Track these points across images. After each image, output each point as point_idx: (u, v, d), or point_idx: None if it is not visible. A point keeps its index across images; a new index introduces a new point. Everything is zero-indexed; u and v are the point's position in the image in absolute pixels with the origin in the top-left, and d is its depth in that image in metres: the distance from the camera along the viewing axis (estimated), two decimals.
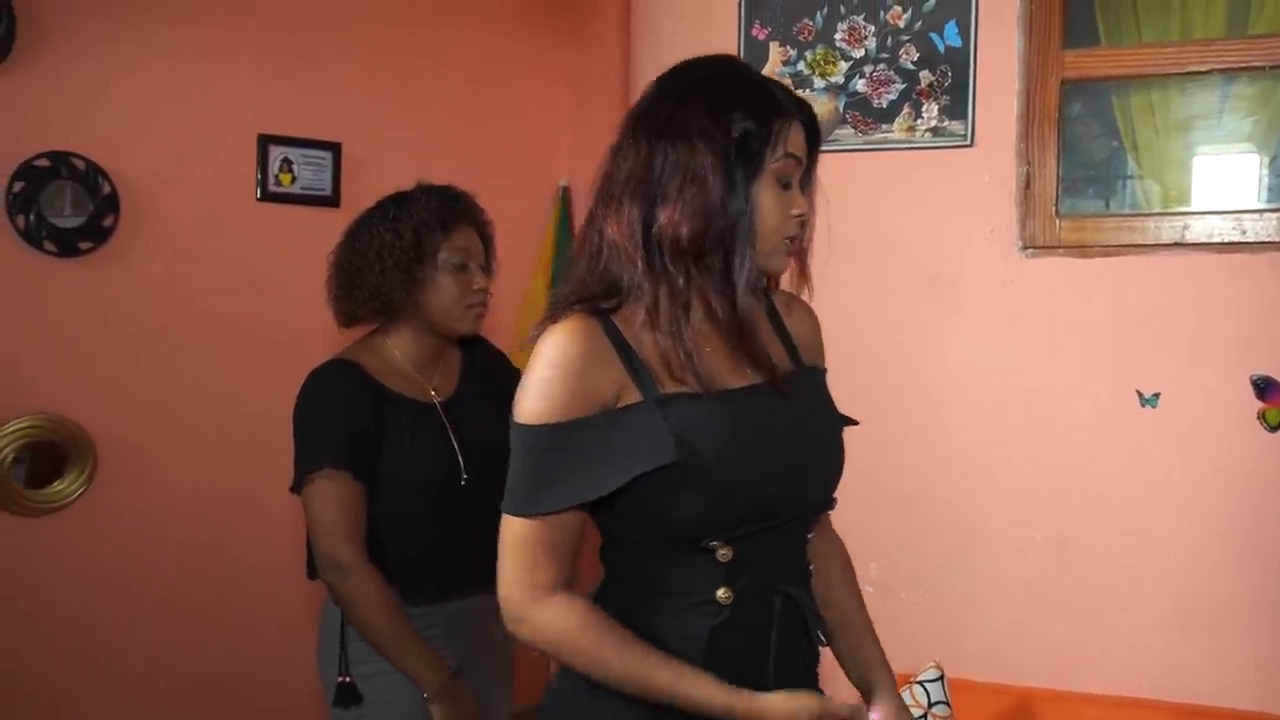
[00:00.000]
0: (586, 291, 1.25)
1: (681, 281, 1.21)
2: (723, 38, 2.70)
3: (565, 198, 3.44)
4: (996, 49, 2.44)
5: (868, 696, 1.43)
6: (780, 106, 1.23)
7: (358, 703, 1.81)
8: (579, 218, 3.45)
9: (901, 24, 2.50)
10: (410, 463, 1.83)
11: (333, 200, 2.82)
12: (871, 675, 1.44)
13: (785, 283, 1.41)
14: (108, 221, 2.45)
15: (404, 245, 1.84)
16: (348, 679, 1.80)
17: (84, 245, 2.43)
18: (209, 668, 2.63)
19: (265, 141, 2.71)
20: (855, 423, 1.43)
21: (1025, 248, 2.45)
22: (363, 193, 1.98)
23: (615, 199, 1.22)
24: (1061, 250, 2.42)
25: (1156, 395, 2.34)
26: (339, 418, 1.78)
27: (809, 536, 1.38)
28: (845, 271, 2.64)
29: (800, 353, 1.40)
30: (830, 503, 1.37)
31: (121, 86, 2.48)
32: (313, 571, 1.83)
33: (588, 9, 3.43)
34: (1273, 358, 2.24)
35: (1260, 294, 2.25)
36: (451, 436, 1.89)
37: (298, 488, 1.78)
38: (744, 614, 1.24)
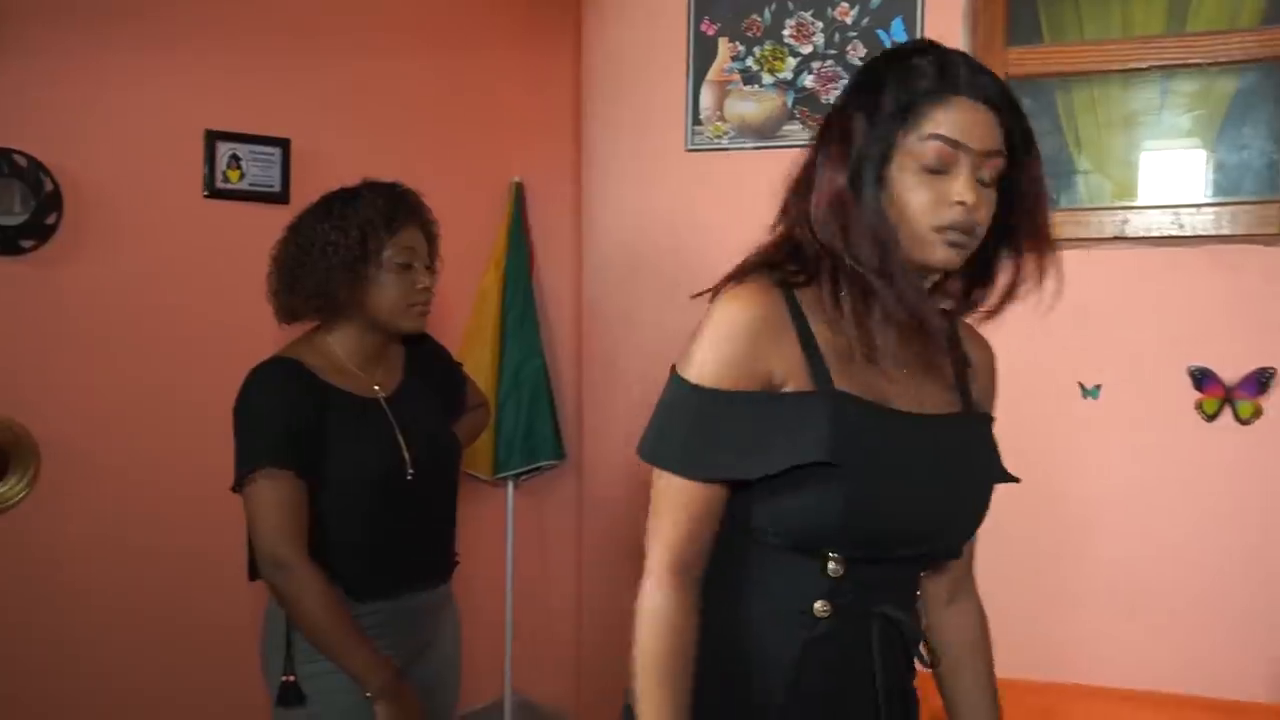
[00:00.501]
0: (774, 258, 1.23)
1: (847, 266, 1.15)
2: (672, 34, 2.69)
3: (518, 194, 3.42)
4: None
5: None
6: (928, 85, 1.14)
7: (301, 702, 1.78)
8: (533, 214, 3.43)
9: (849, 20, 2.51)
10: (355, 459, 1.81)
11: (282, 197, 2.78)
12: None
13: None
14: (51, 219, 2.40)
15: (349, 244, 1.81)
16: (291, 678, 1.78)
17: (26, 243, 2.38)
18: (153, 669, 2.59)
19: (213, 137, 2.67)
20: (1016, 480, 1.38)
21: None
22: (313, 189, 1.95)
23: (799, 180, 1.23)
24: None
25: (1098, 387, 2.37)
26: (280, 415, 1.75)
27: (926, 578, 1.38)
28: None
29: (971, 389, 1.35)
30: (957, 553, 1.34)
31: (65, 82, 2.42)
32: (254, 573, 1.80)
33: (541, 7, 3.41)
34: (1209, 349, 2.28)
35: (1197, 287, 2.29)
36: (396, 432, 1.87)
37: (238, 487, 1.75)
38: (839, 631, 1.20)
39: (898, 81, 1.16)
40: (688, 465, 1.16)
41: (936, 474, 1.22)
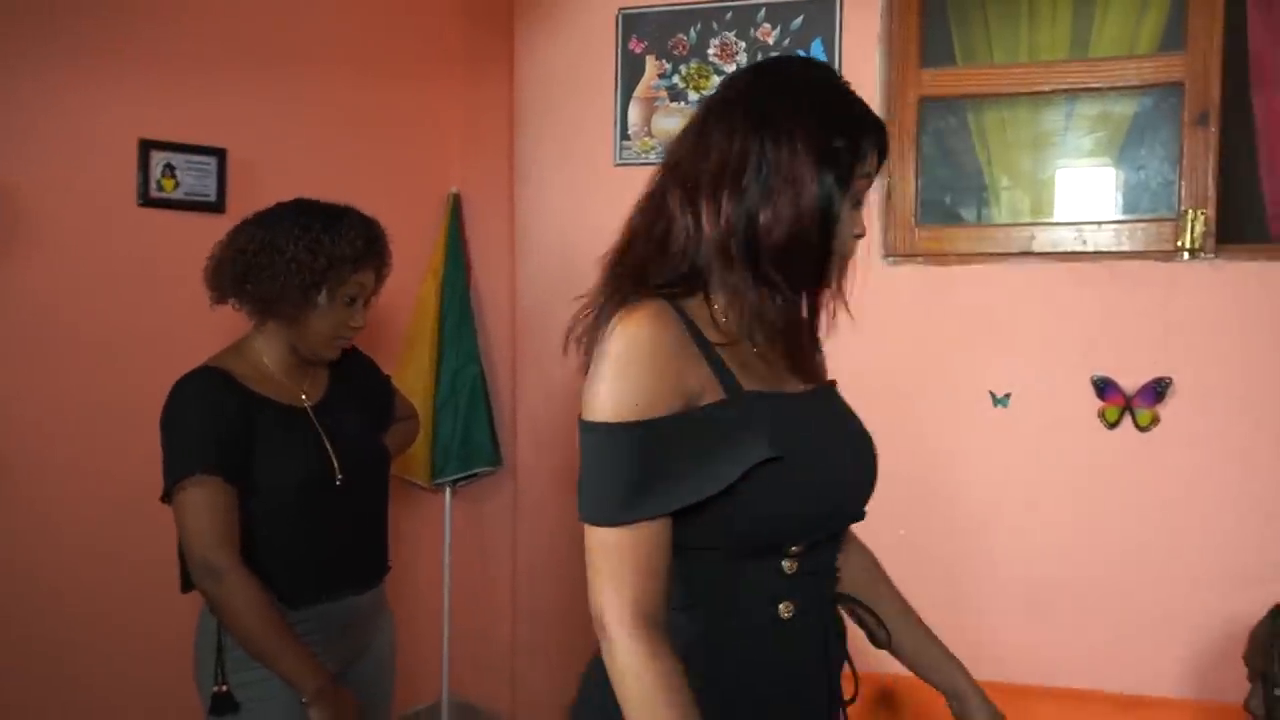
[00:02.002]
0: (653, 274, 1.18)
1: (772, 280, 1.15)
2: (601, 52, 2.72)
3: (455, 205, 3.42)
4: (859, 66, 2.51)
5: (956, 701, 1.44)
6: (870, 125, 1.19)
7: (234, 711, 1.77)
8: (470, 225, 3.44)
9: (771, 40, 2.56)
10: (283, 465, 1.81)
11: (218, 206, 2.75)
12: (955, 680, 1.44)
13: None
14: None
15: (314, 269, 1.81)
16: (224, 688, 1.76)
17: None
18: (89, 678, 2.54)
19: (147, 146, 2.63)
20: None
21: (887, 256, 2.52)
22: (250, 199, 1.93)
23: (703, 188, 1.16)
24: (919, 258, 2.50)
25: (1008, 395, 2.43)
26: (207, 423, 1.74)
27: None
28: None
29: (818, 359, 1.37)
30: (863, 515, 1.31)
31: None
32: (186, 584, 1.79)
33: (476, 24, 3.42)
34: (1111, 360, 2.35)
35: (1100, 300, 2.36)
36: (324, 439, 1.87)
37: (167, 497, 1.75)
38: (801, 627, 1.20)
39: (856, 116, 1.18)
40: (636, 508, 1.09)
41: (844, 444, 1.27)
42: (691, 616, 1.17)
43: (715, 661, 1.17)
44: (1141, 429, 2.33)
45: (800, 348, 1.26)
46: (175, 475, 1.73)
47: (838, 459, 1.23)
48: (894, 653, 1.45)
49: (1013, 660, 2.39)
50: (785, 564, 1.17)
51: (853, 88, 1.22)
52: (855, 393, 2.51)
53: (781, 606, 1.18)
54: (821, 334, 1.31)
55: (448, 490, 3.42)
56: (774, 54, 2.56)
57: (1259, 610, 2.24)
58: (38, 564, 2.46)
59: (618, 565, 1.10)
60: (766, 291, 1.17)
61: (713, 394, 1.13)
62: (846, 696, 1.31)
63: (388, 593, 2.08)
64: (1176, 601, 2.32)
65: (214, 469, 1.72)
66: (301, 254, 1.80)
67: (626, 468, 1.09)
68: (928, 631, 1.46)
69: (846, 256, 1.22)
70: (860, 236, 1.22)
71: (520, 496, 3.10)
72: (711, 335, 1.17)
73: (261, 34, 2.88)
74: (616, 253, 1.23)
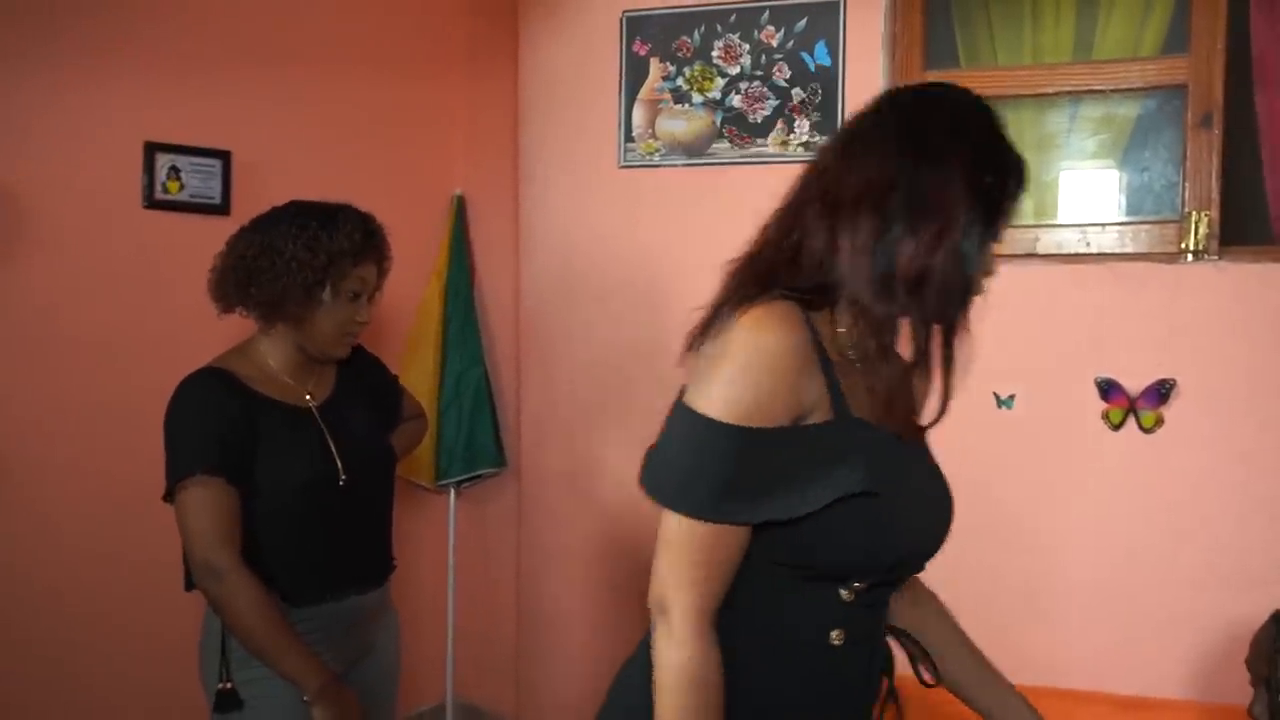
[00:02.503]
0: (779, 281, 1.15)
1: (905, 312, 1.12)
2: (605, 54, 2.72)
3: (460, 207, 3.42)
4: (863, 68, 2.51)
5: None
6: (1018, 165, 1.16)
7: (239, 708, 1.77)
8: (474, 227, 3.44)
9: (774, 43, 2.55)
10: (287, 466, 1.80)
11: (222, 208, 2.75)
12: (1014, 708, 1.42)
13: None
14: None
15: (315, 265, 1.81)
16: (229, 685, 1.76)
17: None
18: (94, 677, 2.55)
19: (152, 149, 2.64)
20: None
21: None
22: (254, 201, 1.94)
23: (847, 204, 1.12)
24: None
25: (1012, 397, 2.43)
26: (211, 424, 1.74)
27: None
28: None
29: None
30: (924, 565, 1.30)
31: (2, 91, 2.39)
32: (189, 583, 1.79)
33: (481, 26, 3.42)
34: (1115, 361, 2.35)
35: (1103, 301, 2.35)
36: (328, 439, 1.87)
37: (169, 497, 1.74)
38: (850, 656, 1.19)
39: (1011, 159, 1.16)
40: (726, 511, 1.08)
41: (929, 494, 1.25)
42: (741, 623, 1.15)
43: (762, 675, 1.16)
44: (1146, 430, 2.32)
45: (905, 387, 1.22)
46: (177, 475, 1.72)
47: (922, 507, 1.22)
48: (955, 691, 1.44)
49: (1015, 661, 2.37)
50: (843, 592, 1.16)
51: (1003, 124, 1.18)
52: None
53: (834, 634, 1.17)
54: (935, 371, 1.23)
55: (452, 492, 3.42)
56: (777, 56, 2.55)
57: (1262, 612, 2.23)
58: (39, 564, 2.46)
59: (696, 559, 1.09)
60: (894, 319, 1.15)
61: (822, 413, 1.12)
62: None
63: (395, 596, 2.08)
64: (1180, 603, 2.31)
65: (216, 469, 1.72)
66: (301, 253, 1.80)
67: (725, 468, 1.08)
68: (996, 674, 1.46)
69: (977, 294, 1.18)
70: (990, 275, 1.18)
71: (524, 498, 3.09)
72: (831, 350, 1.15)
73: (266, 36, 2.88)
74: (746, 257, 1.20)
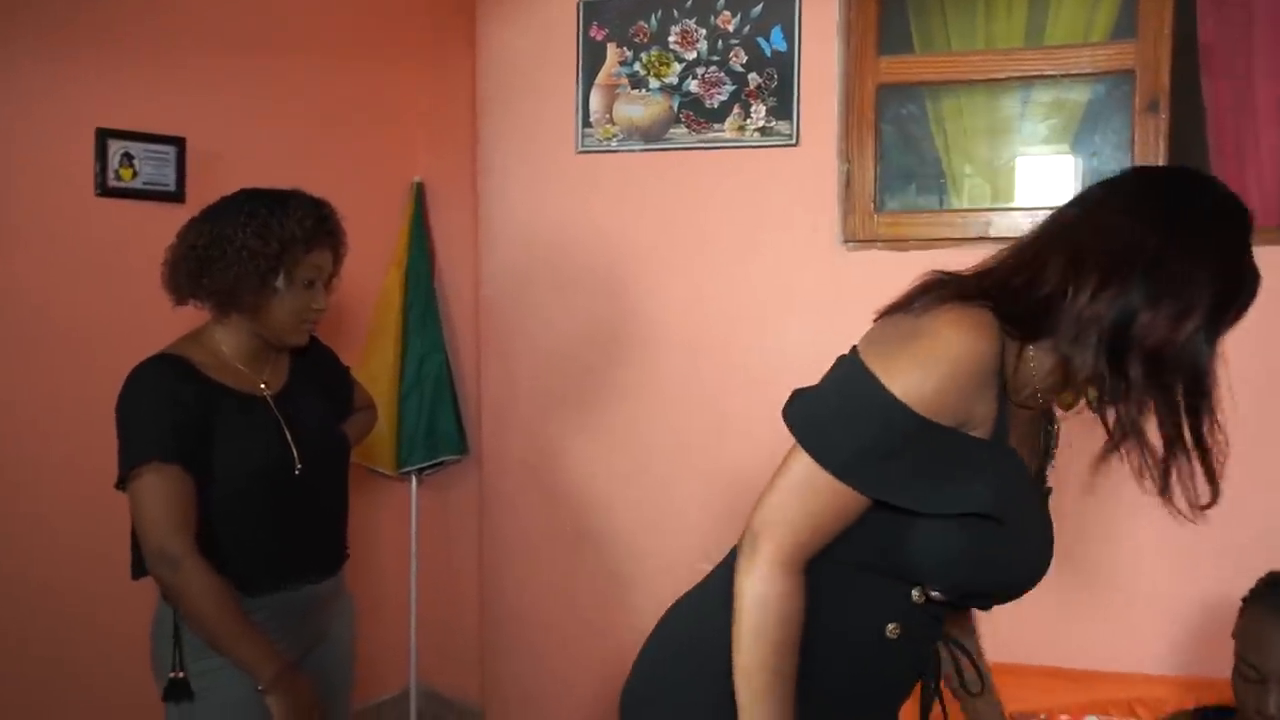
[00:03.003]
0: (999, 299, 1.15)
1: (1136, 384, 1.11)
2: (563, 39, 2.71)
3: (419, 194, 3.40)
4: (818, 54, 2.52)
5: None
6: (1258, 282, 1.17)
7: (189, 698, 1.76)
8: (434, 214, 3.41)
9: (731, 28, 2.55)
10: (243, 453, 1.79)
11: (177, 195, 2.72)
12: None
13: None
14: None
15: (267, 254, 1.79)
16: (180, 674, 1.75)
17: None
18: (47, 682, 2.51)
19: (104, 135, 2.60)
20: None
21: (846, 241, 2.53)
22: (210, 188, 1.92)
23: (1092, 262, 1.11)
24: (879, 244, 2.51)
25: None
26: (165, 411, 1.72)
27: None
28: (680, 263, 2.70)
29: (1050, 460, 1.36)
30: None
31: None
32: (137, 570, 1.77)
33: (439, 13, 3.39)
34: None
35: None
36: (283, 428, 1.86)
37: (122, 484, 1.72)
38: (901, 653, 1.22)
39: (1251, 276, 1.16)
40: (858, 476, 1.11)
41: (1041, 545, 1.27)
42: (813, 603, 1.17)
43: (808, 652, 1.17)
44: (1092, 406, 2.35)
45: (1035, 440, 1.26)
46: (131, 462, 1.71)
47: (1030, 555, 1.24)
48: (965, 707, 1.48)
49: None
50: (915, 594, 1.19)
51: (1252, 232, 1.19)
52: (813, 375, 2.52)
53: (890, 627, 1.20)
54: (1215, 455, 1.20)
55: (413, 479, 3.41)
56: (734, 42, 2.56)
57: (1201, 583, 2.28)
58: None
59: (811, 507, 1.12)
60: (1102, 383, 1.14)
61: (983, 430, 1.14)
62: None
63: (354, 582, 2.07)
64: (1126, 578, 2.35)
65: (171, 456, 1.70)
66: (251, 240, 1.78)
67: (881, 441, 1.10)
68: (995, 692, 1.51)
69: (1210, 381, 1.16)
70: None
71: (486, 484, 3.09)
72: (1009, 377, 1.16)
73: (222, 21, 2.84)
74: (968, 274, 1.21)
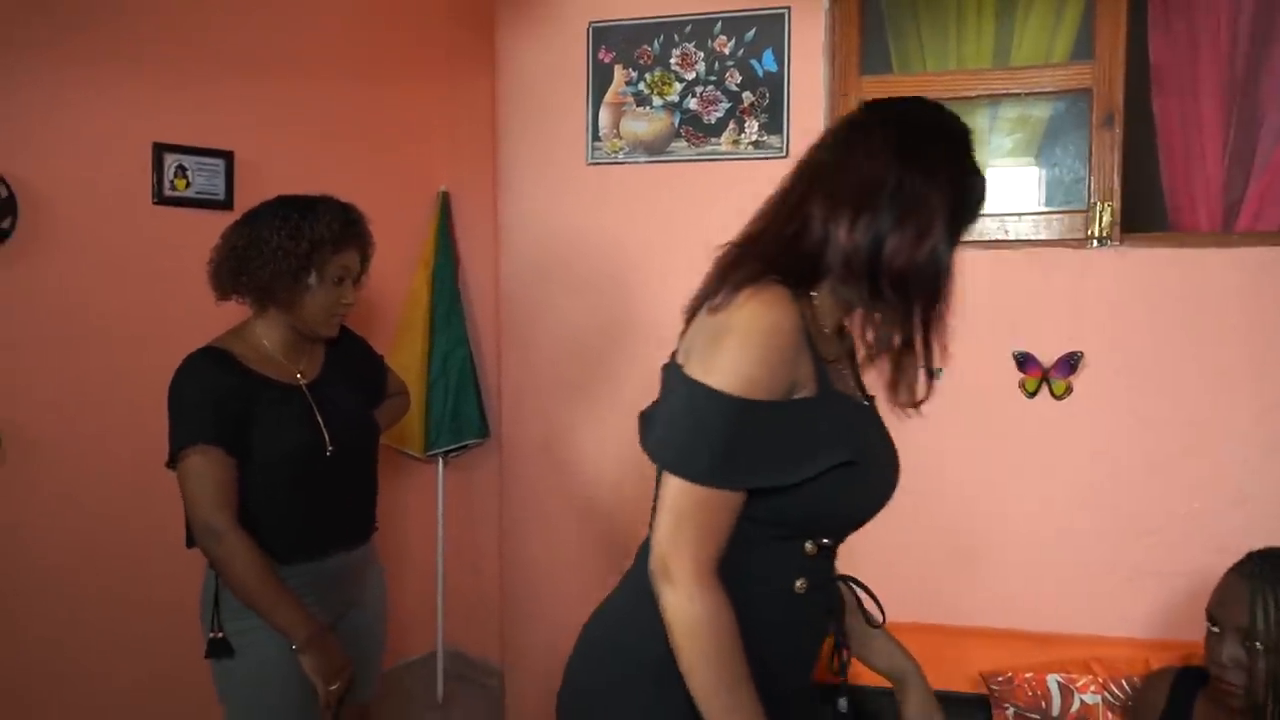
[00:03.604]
0: (778, 266, 1.15)
1: (885, 298, 1.14)
2: (574, 61, 2.74)
3: (445, 202, 3.44)
4: (806, 74, 2.53)
5: (898, 683, 1.43)
6: (983, 180, 1.20)
7: (229, 655, 1.80)
8: (458, 220, 3.45)
9: (727, 51, 2.58)
10: (278, 437, 1.82)
11: (226, 204, 2.77)
12: (904, 666, 1.43)
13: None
14: (6, 223, 2.36)
15: (299, 253, 1.82)
16: (219, 634, 1.79)
17: None
18: (108, 635, 2.57)
19: (160, 149, 2.65)
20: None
21: None
22: (255, 196, 1.95)
23: (846, 201, 1.14)
24: None
25: (939, 369, 2.47)
26: (209, 398, 1.76)
27: None
28: (681, 264, 2.72)
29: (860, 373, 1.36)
30: None
31: (21, 94, 2.38)
32: (190, 541, 1.81)
33: (461, 37, 3.43)
34: (1030, 337, 2.39)
35: (1020, 283, 2.40)
36: (316, 414, 1.88)
37: (172, 463, 1.76)
38: (811, 602, 1.21)
39: (978, 171, 1.20)
40: (726, 476, 1.09)
41: (889, 455, 1.28)
42: (723, 578, 1.15)
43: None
44: (1057, 398, 2.38)
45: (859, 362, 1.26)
46: (179, 444, 1.75)
47: (884, 469, 1.25)
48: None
49: (943, 605, 2.45)
50: (809, 546, 1.19)
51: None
52: None
53: (798, 582, 1.19)
54: (933, 360, 1.25)
55: (440, 460, 3.45)
56: (729, 63, 2.59)
57: (1155, 554, 2.31)
58: (59, 526, 2.48)
59: (701, 520, 1.09)
60: (876, 306, 1.17)
61: (808, 388, 1.13)
62: (835, 667, 1.33)
63: (387, 554, 2.10)
64: (1090, 550, 2.37)
65: (214, 440, 1.74)
66: (285, 241, 1.82)
67: (727, 437, 1.07)
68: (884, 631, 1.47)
69: (948, 291, 1.21)
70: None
71: (505, 465, 3.13)
72: (814, 332, 1.17)
73: (264, 44, 2.88)
74: (744, 241, 1.21)
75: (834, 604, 1.31)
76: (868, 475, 1.18)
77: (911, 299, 1.15)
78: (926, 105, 1.24)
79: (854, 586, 1.38)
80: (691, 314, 1.20)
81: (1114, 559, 2.35)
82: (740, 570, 1.16)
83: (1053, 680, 2.12)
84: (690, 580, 1.08)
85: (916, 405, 1.25)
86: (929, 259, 1.14)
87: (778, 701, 1.16)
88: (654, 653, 1.14)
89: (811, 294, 1.18)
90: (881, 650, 1.45)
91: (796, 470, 1.10)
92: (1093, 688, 2.09)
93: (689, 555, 1.08)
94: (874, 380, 1.31)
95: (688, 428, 1.10)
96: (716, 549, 1.10)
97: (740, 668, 1.10)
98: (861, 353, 1.24)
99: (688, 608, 1.08)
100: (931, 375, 1.23)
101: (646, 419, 1.25)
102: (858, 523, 1.23)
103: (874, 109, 1.23)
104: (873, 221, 1.13)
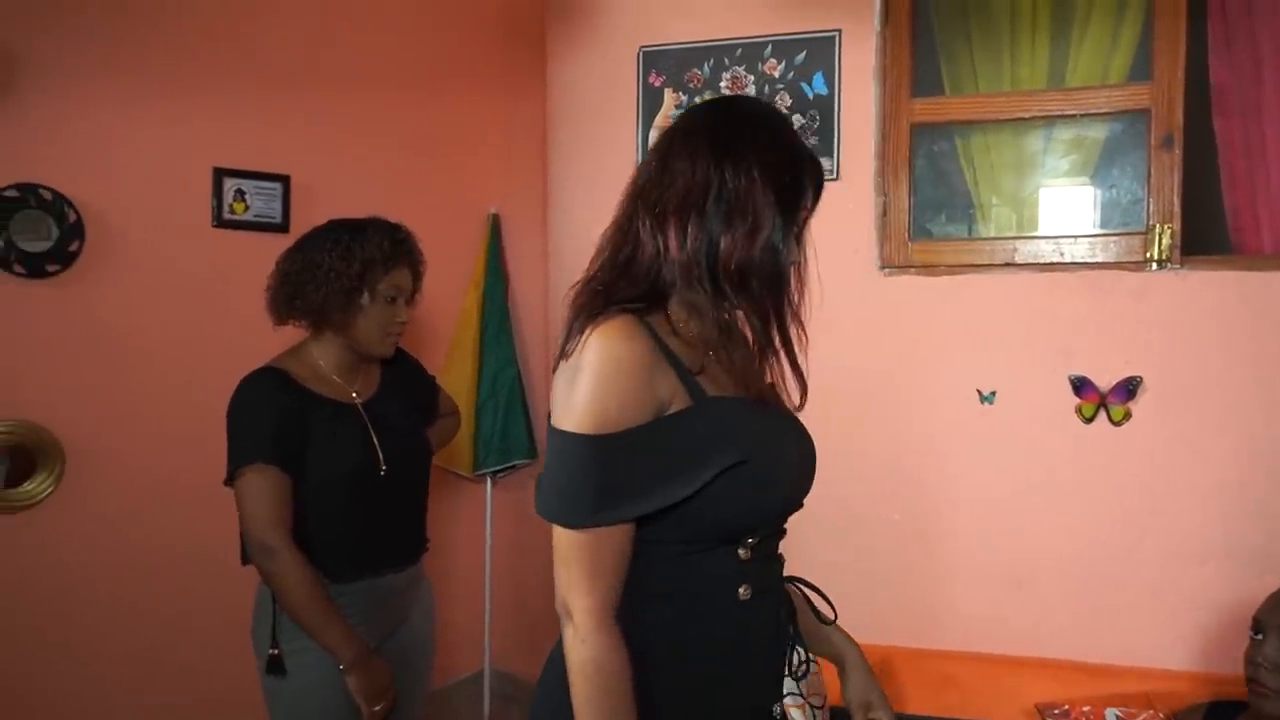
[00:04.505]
0: (619, 293, 1.15)
1: (729, 297, 1.14)
2: (624, 84, 2.76)
3: (495, 223, 3.47)
4: (857, 97, 2.53)
5: (841, 666, 1.40)
6: (812, 165, 1.19)
7: (283, 673, 1.81)
8: (508, 241, 3.48)
9: (776, 74, 2.58)
10: (334, 456, 1.84)
11: (283, 227, 2.81)
12: (843, 649, 1.40)
13: None
14: (74, 247, 2.42)
15: (350, 274, 1.85)
16: (277, 651, 1.81)
17: (52, 268, 2.40)
18: (158, 651, 2.60)
19: (220, 174, 2.70)
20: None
21: (883, 267, 2.54)
22: (311, 220, 1.99)
23: (671, 212, 1.13)
24: (913, 270, 2.52)
25: (993, 393, 2.44)
26: (266, 418, 1.79)
27: None
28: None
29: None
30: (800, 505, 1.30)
31: (87, 123, 2.45)
32: (245, 558, 1.83)
33: (513, 60, 3.46)
34: (1086, 360, 2.35)
35: (1076, 306, 2.36)
36: (371, 433, 1.90)
37: (230, 481, 1.79)
38: (757, 606, 1.20)
39: (804, 154, 1.18)
40: (604, 514, 1.08)
41: (791, 443, 1.25)
42: (662, 602, 1.16)
43: (682, 641, 1.17)
44: (1115, 423, 2.33)
45: (747, 357, 1.24)
46: (237, 463, 1.77)
47: (788, 457, 1.22)
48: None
49: (997, 633, 2.41)
50: (741, 552, 1.17)
51: (793, 127, 1.22)
52: (853, 392, 2.52)
53: (741, 589, 1.17)
54: (797, 346, 1.23)
55: (488, 480, 3.46)
56: (779, 86, 2.59)
57: (1216, 583, 2.25)
58: (117, 542, 2.52)
59: (588, 564, 1.09)
60: (725, 306, 1.16)
61: (680, 401, 1.12)
62: (795, 666, 1.30)
63: (435, 573, 2.11)
64: (1147, 579, 2.32)
65: (271, 459, 1.76)
66: (337, 263, 1.85)
67: (599, 476, 1.07)
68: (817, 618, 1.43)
69: (789, 281, 1.19)
70: (796, 264, 1.19)
71: None
72: (674, 346, 1.15)
73: (319, 70, 2.93)
74: (585, 279, 1.21)
75: (784, 609, 1.28)
76: (766, 469, 1.15)
77: (757, 296, 1.15)
78: (736, 100, 1.23)
79: (801, 587, 1.36)
80: (556, 364, 1.19)
81: (1173, 589, 2.29)
82: (680, 588, 1.16)
83: (1111, 715, 2.07)
84: (584, 622, 1.09)
85: (798, 408, 1.25)
86: (766, 252, 1.13)
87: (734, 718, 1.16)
88: None
89: (666, 309, 1.17)
90: (823, 636, 1.42)
91: (687, 483, 1.09)
92: None
93: (583, 598, 1.09)
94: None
95: (561, 475, 1.10)
96: (610, 587, 1.10)
97: (625, 713, 1.10)
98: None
99: (579, 649, 1.09)
100: (800, 372, 1.22)
101: (538, 480, 1.23)
102: (776, 515, 1.22)
103: (685, 115, 1.23)
104: (701, 227, 1.12)
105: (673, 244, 1.13)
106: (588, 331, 1.11)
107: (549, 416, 1.18)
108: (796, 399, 1.28)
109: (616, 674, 1.10)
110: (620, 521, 1.09)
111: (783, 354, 1.20)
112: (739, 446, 1.12)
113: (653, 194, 1.16)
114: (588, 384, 1.08)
